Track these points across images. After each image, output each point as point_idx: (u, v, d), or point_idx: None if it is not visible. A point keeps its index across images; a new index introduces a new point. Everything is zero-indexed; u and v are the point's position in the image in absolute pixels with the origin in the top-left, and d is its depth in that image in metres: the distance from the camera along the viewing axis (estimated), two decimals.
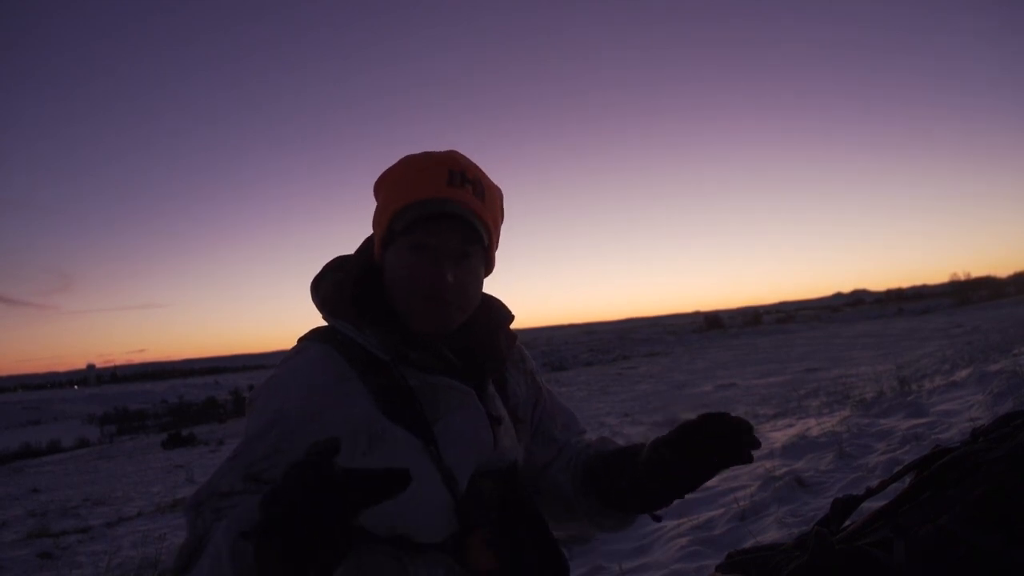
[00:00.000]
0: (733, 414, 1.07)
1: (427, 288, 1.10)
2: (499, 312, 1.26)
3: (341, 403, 1.04)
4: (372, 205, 1.21)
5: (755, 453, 1.16)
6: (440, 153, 1.16)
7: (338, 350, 1.10)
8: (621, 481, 1.17)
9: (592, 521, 1.28)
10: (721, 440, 1.05)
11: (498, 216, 1.20)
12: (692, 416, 1.10)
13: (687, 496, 1.15)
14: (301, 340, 1.17)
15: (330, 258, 1.22)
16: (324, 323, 1.16)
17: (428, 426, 1.08)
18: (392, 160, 1.19)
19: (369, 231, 1.22)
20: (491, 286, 1.26)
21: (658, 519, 1.22)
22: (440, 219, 1.10)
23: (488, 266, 1.21)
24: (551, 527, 1.21)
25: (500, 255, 1.23)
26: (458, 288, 1.12)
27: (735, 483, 4.06)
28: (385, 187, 1.17)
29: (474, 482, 1.13)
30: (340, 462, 1.00)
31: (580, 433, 1.37)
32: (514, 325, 1.28)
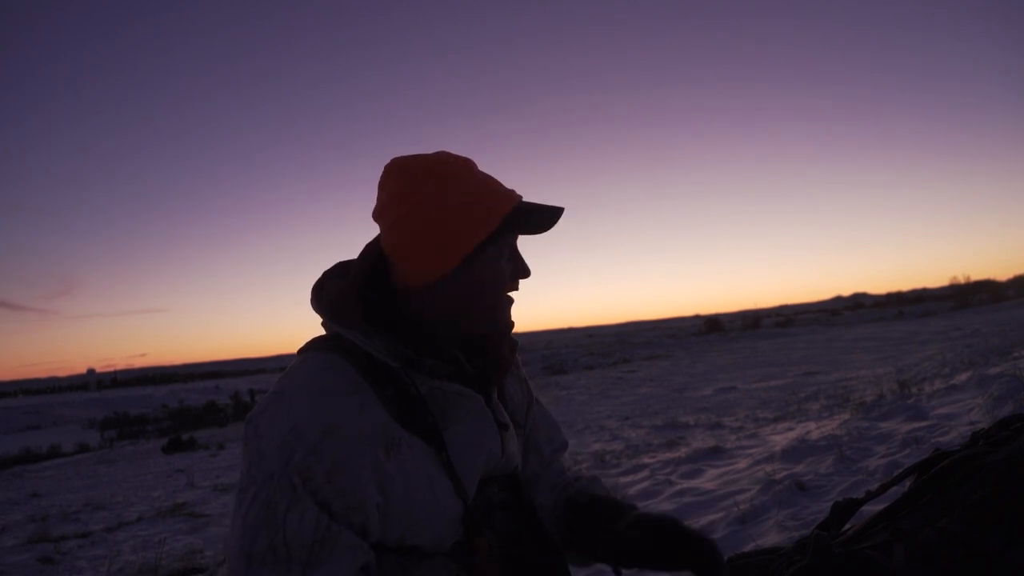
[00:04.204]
0: (716, 548, 1.06)
1: (515, 289, 1.15)
2: None
3: (354, 412, 1.00)
4: (373, 206, 1.15)
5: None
6: (464, 157, 1.15)
7: (344, 358, 1.05)
8: (596, 530, 1.17)
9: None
10: (694, 561, 1.06)
11: None
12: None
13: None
14: (301, 352, 1.11)
15: (331, 263, 1.19)
16: (323, 333, 1.13)
17: (439, 434, 1.06)
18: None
19: (371, 232, 1.18)
20: None
21: (618, 574, 1.20)
22: (534, 218, 1.12)
23: None
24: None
25: None
26: None
27: (735, 487, 4.06)
28: (460, 192, 1.07)
29: (481, 489, 1.12)
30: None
31: (562, 446, 1.39)
32: (514, 328, 1.26)
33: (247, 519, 0.95)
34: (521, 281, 1.16)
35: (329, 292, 1.12)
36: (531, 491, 1.30)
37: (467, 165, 1.12)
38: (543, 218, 1.12)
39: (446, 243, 1.06)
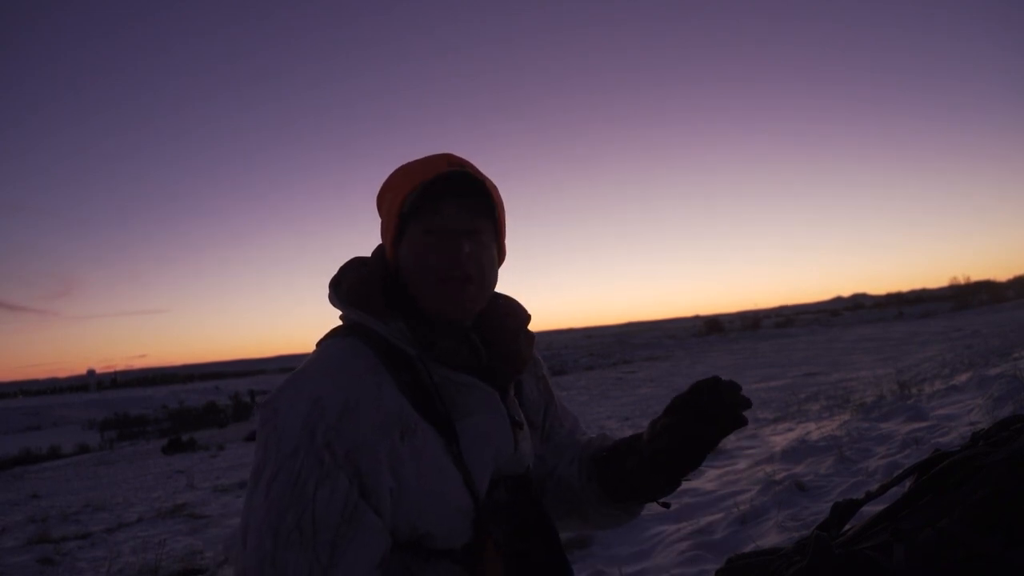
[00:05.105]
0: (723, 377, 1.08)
1: (444, 265, 1.08)
2: (519, 313, 1.24)
3: (374, 393, 1.00)
4: (374, 207, 1.21)
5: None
6: (435, 154, 1.16)
7: (363, 343, 1.06)
8: (628, 462, 1.18)
9: (596, 512, 1.28)
10: (715, 407, 1.06)
11: (502, 200, 1.17)
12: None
13: (689, 478, 1.16)
14: (321, 341, 1.13)
15: (331, 263, 1.20)
16: (339, 326, 1.14)
17: (451, 425, 1.06)
18: (395, 162, 1.19)
19: (375, 237, 1.21)
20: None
21: (667, 506, 1.24)
22: (446, 196, 1.09)
23: (500, 253, 1.19)
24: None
25: None
26: (474, 262, 1.10)
27: (735, 487, 4.06)
28: (388, 189, 1.16)
29: (491, 487, 1.12)
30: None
31: (582, 435, 1.39)
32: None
33: (270, 497, 0.93)
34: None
35: (350, 279, 1.14)
36: (545, 484, 1.31)
37: (411, 161, 1.16)
38: (446, 191, 1.09)
39: (385, 232, 1.16)
